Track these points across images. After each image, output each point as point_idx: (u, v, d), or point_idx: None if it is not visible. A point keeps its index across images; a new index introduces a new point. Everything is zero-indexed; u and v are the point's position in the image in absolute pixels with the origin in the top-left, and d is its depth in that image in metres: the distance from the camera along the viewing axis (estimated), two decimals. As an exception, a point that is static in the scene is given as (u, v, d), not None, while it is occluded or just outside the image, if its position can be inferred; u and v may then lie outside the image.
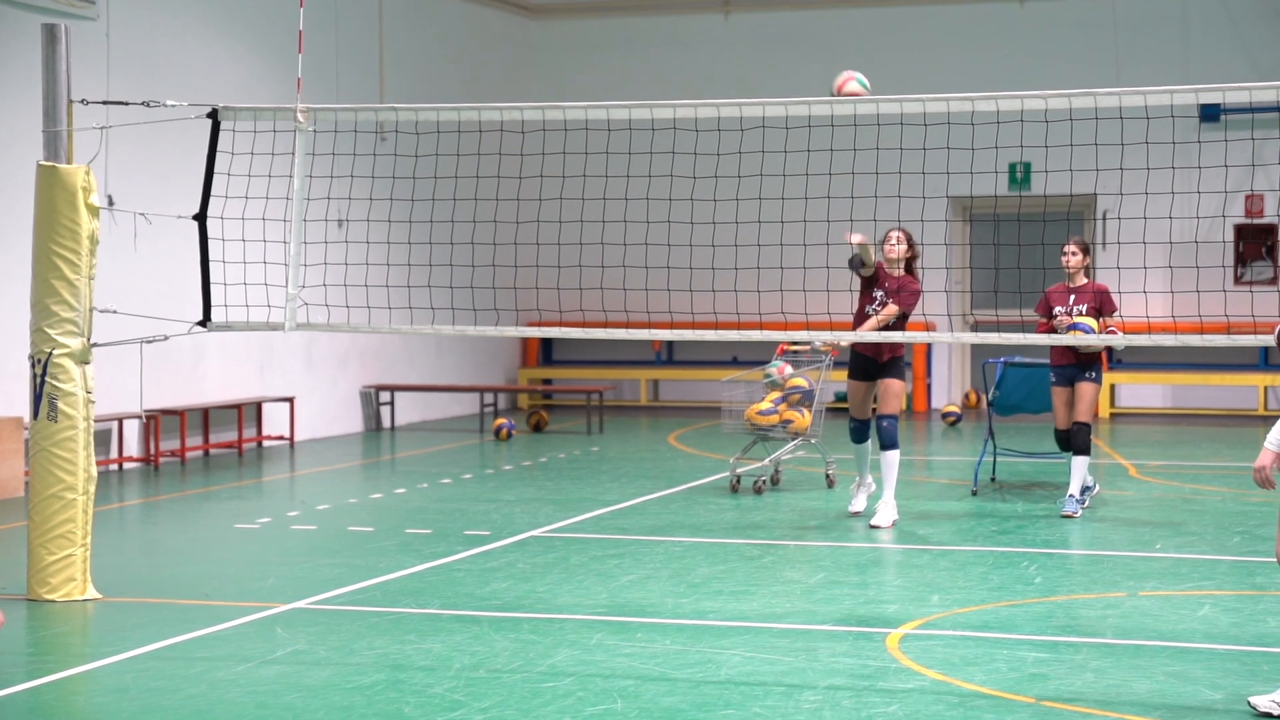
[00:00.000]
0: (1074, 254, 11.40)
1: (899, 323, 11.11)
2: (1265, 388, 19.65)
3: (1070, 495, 11.47)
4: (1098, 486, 11.83)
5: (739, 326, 10.31)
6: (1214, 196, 17.45)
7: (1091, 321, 11.19)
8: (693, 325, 10.62)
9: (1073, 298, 11.37)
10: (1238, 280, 19.41)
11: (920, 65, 20.67)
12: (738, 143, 10.19)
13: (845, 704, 6.38)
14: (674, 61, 21.85)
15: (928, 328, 18.21)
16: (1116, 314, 11.40)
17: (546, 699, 6.46)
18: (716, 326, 10.37)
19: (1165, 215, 11.38)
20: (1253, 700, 6.27)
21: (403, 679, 6.82)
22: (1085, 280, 11.45)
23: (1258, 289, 18.36)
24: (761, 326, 10.40)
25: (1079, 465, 11.50)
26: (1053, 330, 11.28)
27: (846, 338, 10.67)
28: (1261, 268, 19.72)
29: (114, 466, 14.69)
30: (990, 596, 8.61)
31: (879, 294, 11.10)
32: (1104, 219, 19.34)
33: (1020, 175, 19.86)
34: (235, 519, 11.68)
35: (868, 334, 10.55)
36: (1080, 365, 11.40)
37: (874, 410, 11.40)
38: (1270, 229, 19.57)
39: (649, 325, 11.03)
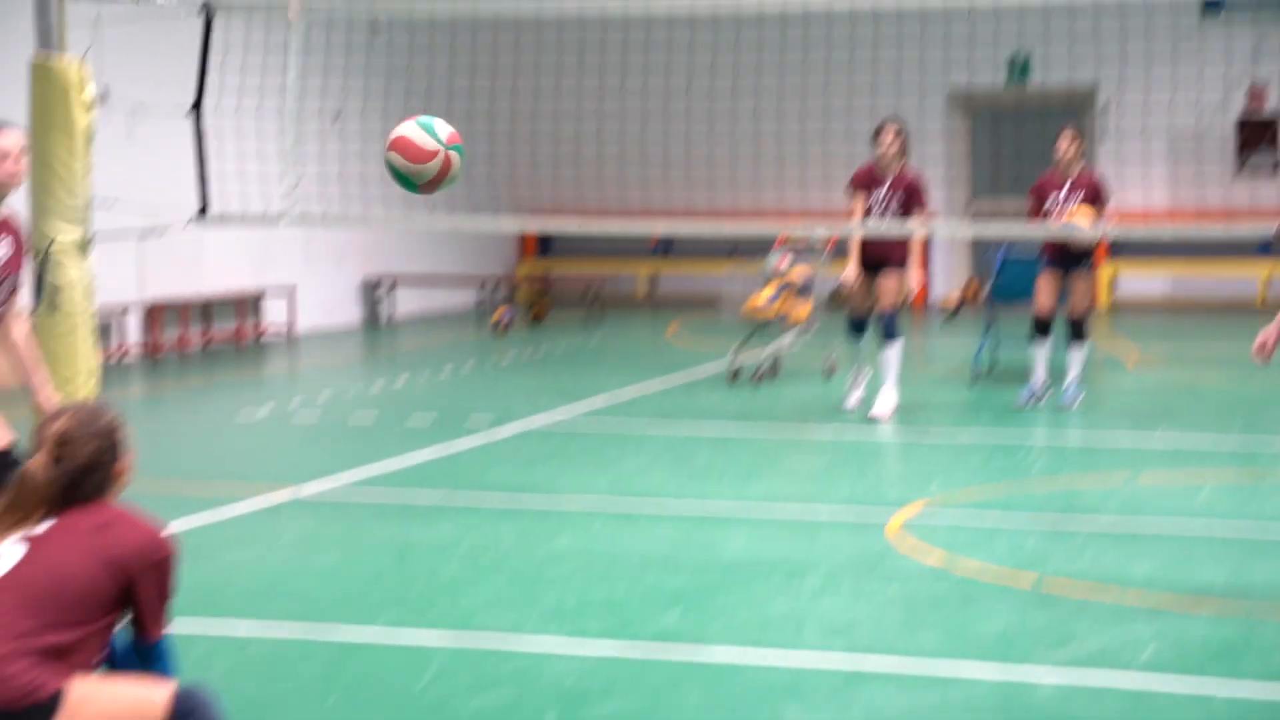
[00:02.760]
0: (1068, 143, 11.32)
1: (912, 214, 11.01)
2: (1266, 278, 19.64)
3: (1068, 385, 11.51)
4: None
5: (737, 218, 10.30)
6: (1216, 88, 17.34)
7: (1085, 215, 11.12)
8: (691, 217, 10.59)
9: (1066, 187, 11.29)
10: (1239, 171, 19.33)
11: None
12: (736, 36, 10.11)
13: (846, 588, 6.44)
14: (671, -49, 21.61)
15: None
16: (1111, 203, 11.34)
17: (550, 582, 6.52)
18: (715, 218, 10.36)
19: (1166, 107, 11.33)
20: None
21: (409, 563, 6.88)
22: (1079, 170, 11.38)
23: (1258, 179, 18.30)
24: (760, 218, 10.39)
25: (1077, 353, 11.53)
26: (1045, 220, 11.21)
27: (844, 232, 10.62)
28: (1262, 158, 19.64)
29: (114, 359, 14.72)
30: (990, 481, 8.67)
31: (879, 192, 10.98)
32: (1104, 111, 19.24)
33: (1019, 68, 19.72)
34: (237, 410, 11.72)
35: (870, 228, 10.49)
36: (1073, 256, 11.33)
37: (874, 304, 11.37)
38: (1272, 122, 19.47)
39: (646, 214, 11.01)
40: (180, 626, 5.39)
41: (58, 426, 3.72)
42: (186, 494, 8.45)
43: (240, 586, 6.52)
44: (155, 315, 15.07)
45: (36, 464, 3.68)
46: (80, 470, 3.69)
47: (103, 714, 3.53)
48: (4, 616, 3.52)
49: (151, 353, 15.05)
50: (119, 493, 3.80)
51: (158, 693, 3.61)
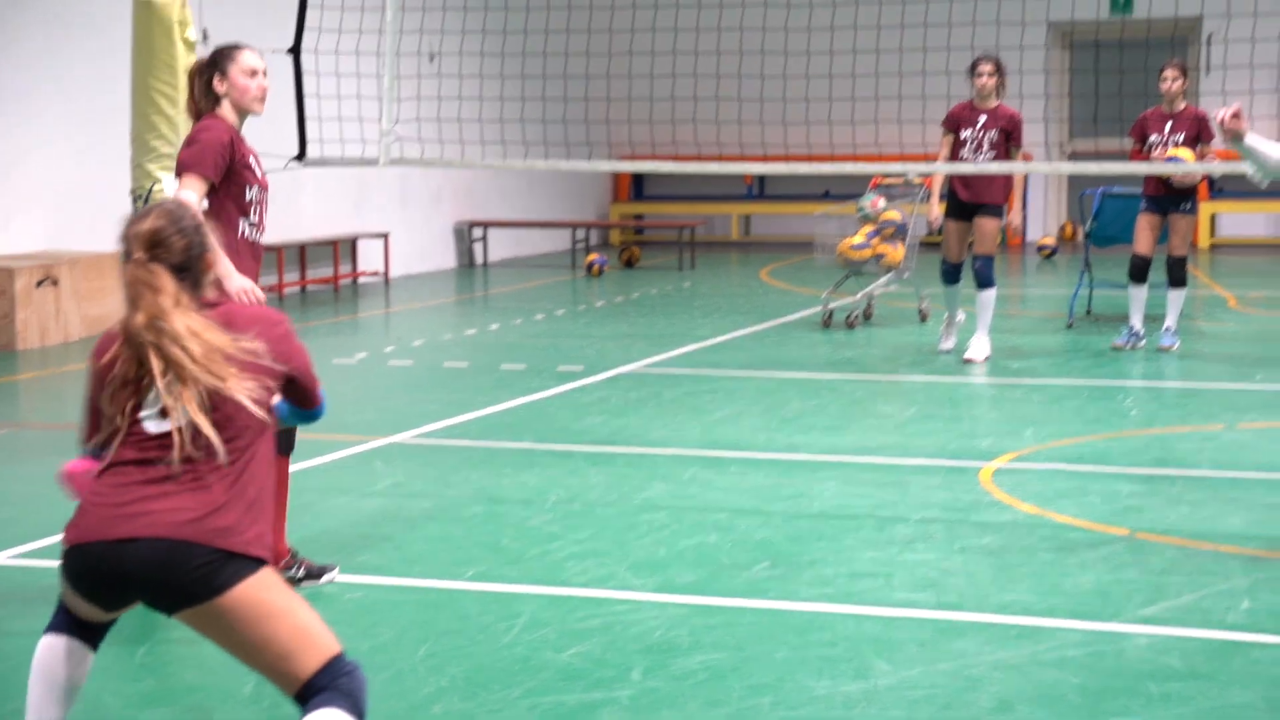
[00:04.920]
0: (1174, 78, 11.09)
1: (1008, 155, 10.87)
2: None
3: (1166, 328, 11.35)
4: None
5: (832, 159, 10.21)
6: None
7: (1187, 153, 10.91)
8: (785, 158, 10.51)
9: (1170, 124, 11.07)
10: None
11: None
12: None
13: (938, 536, 6.41)
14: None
15: (1025, 158, 17.92)
16: (1215, 141, 11.12)
17: (641, 531, 6.54)
18: (809, 159, 10.27)
19: (1275, 38, 11.04)
20: None
21: (500, 511, 6.93)
22: (1184, 105, 11.15)
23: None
24: (855, 159, 10.29)
25: (1175, 298, 11.35)
26: (1146, 159, 11.02)
27: (939, 171, 10.49)
28: (1373, 94, 19.11)
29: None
30: (1085, 430, 8.57)
31: (966, 134, 10.80)
32: (1209, 43, 18.83)
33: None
34: (332, 354, 11.83)
35: (964, 167, 10.37)
36: (1174, 197, 11.13)
37: (970, 249, 11.25)
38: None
39: (741, 159, 10.94)
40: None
41: (146, 226, 3.68)
42: (283, 440, 8.55)
43: (334, 534, 6.60)
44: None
45: (135, 265, 3.64)
46: (176, 268, 3.67)
47: (277, 611, 3.56)
48: (203, 465, 3.59)
49: (250, 296, 15.23)
50: (210, 283, 3.78)
51: (327, 640, 3.63)
